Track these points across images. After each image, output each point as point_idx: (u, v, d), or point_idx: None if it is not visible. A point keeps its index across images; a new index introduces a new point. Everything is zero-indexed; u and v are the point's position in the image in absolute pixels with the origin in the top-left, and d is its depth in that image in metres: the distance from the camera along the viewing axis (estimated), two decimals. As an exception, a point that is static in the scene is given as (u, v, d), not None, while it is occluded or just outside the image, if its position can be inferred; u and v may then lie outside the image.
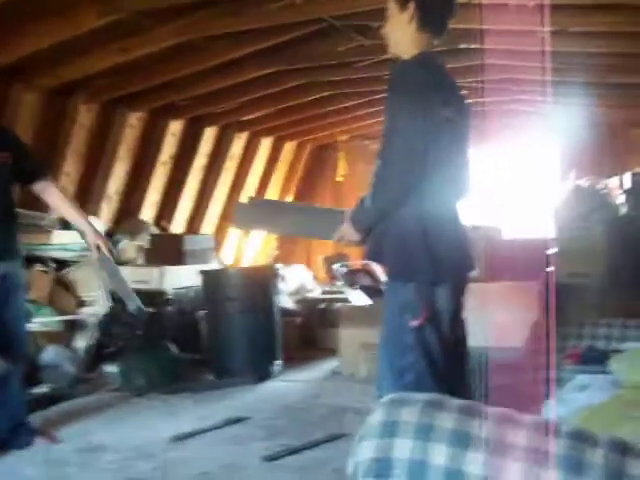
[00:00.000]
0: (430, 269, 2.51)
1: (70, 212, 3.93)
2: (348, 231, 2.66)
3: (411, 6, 2.57)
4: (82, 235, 3.93)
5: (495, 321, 3.64)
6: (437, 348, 2.53)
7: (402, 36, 2.63)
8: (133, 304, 4.28)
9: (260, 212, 2.99)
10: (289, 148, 9.95)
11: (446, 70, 2.74)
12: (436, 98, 2.49)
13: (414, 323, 2.50)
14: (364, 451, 1.62)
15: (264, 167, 9.64)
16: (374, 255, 2.72)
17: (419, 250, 2.51)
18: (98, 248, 3.86)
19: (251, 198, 3.20)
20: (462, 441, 1.51)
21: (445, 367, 2.54)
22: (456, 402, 1.65)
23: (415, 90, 2.48)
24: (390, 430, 1.60)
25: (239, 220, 3.18)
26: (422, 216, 2.51)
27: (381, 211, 2.56)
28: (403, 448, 1.55)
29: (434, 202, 2.52)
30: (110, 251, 3.92)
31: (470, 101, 3.72)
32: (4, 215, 3.56)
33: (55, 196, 3.89)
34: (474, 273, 2.87)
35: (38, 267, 5.67)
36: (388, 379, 2.58)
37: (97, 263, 4.13)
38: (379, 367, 2.65)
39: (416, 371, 2.51)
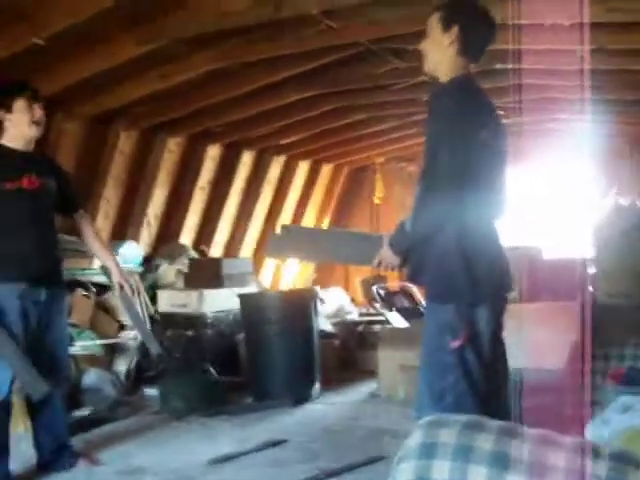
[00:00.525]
0: (469, 290, 2.51)
1: (99, 248, 4.00)
2: (387, 255, 2.68)
3: (454, 30, 2.58)
4: (107, 272, 3.98)
5: (534, 342, 3.60)
6: (477, 369, 2.51)
7: (441, 58, 2.65)
8: (153, 347, 4.29)
9: (294, 240, 2.99)
10: (326, 171, 9.99)
11: (483, 92, 2.75)
12: (474, 121, 2.50)
13: (454, 344, 2.49)
14: (403, 473, 1.61)
15: (301, 190, 9.69)
16: (414, 276, 2.73)
17: (458, 271, 2.51)
18: (121, 287, 3.93)
19: (284, 226, 3.17)
20: (501, 463, 1.50)
21: (485, 388, 2.52)
22: (495, 423, 1.64)
23: (453, 114, 2.50)
24: (429, 452, 1.59)
25: (273, 250, 3.18)
26: (461, 237, 2.51)
27: (421, 235, 2.58)
28: (442, 470, 1.54)
29: (473, 223, 2.53)
30: (133, 292, 3.99)
31: (507, 121, 3.71)
32: (48, 241, 3.63)
33: (88, 229, 3.97)
34: (513, 294, 2.86)
35: (80, 291, 5.75)
36: (428, 401, 2.57)
37: (120, 302, 4.14)
38: (419, 388, 2.64)
39: (456, 392, 2.50)
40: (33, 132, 3.59)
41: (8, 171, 3.49)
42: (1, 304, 3.42)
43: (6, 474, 3.54)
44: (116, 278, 3.91)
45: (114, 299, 6.08)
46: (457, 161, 2.45)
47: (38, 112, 3.57)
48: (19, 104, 3.51)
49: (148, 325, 4.78)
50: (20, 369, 3.38)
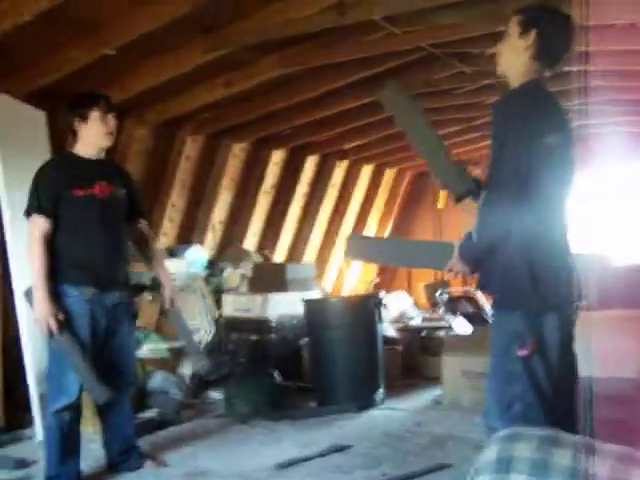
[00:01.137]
0: (536, 298, 2.48)
1: (155, 261, 4.03)
2: (458, 264, 2.68)
3: (532, 34, 2.55)
4: (159, 286, 3.99)
5: (605, 350, 3.52)
6: (545, 379, 2.48)
7: (515, 61, 2.62)
8: (199, 363, 4.31)
9: (373, 245, 2.99)
10: (389, 176, 9.98)
11: (554, 97, 2.69)
12: (541, 128, 2.47)
13: (521, 353, 2.46)
14: (479, 487, 1.59)
15: (364, 195, 9.69)
16: (483, 285, 2.71)
17: (526, 279, 2.48)
18: (172, 303, 3.98)
19: (361, 236, 3.19)
20: (580, 478, 1.47)
21: (553, 399, 2.48)
22: (572, 438, 1.61)
23: (519, 121, 2.47)
24: (505, 466, 1.57)
25: (351, 252, 3.19)
26: (528, 245, 2.48)
27: (487, 247, 2.57)
28: (519, 484, 1.52)
29: (540, 231, 2.50)
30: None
31: (576, 125, 3.64)
32: (116, 247, 3.70)
33: (147, 240, 4.02)
34: (583, 302, 2.81)
35: (146, 295, 5.85)
36: (495, 410, 2.55)
37: (170, 316, 4.16)
38: (486, 397, 2.61)
39: (524, 402, 2.47)
40: (106, 142, 3.67)
41: (80, 178, 3.57)
42: (70, 308, 3.49)
43: (77, 473, 3.63)
44: (168, 293, 3.96)
45: (180, 303, 6.19)
46: (522, 168, 2.43)
47: (112, 122, 3.65)
48: (94, 115, 3.59)
49: (196, 341, 4.79)
50: (85, 375, 3.45)
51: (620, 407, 2.89)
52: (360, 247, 3.02)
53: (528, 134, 2.44)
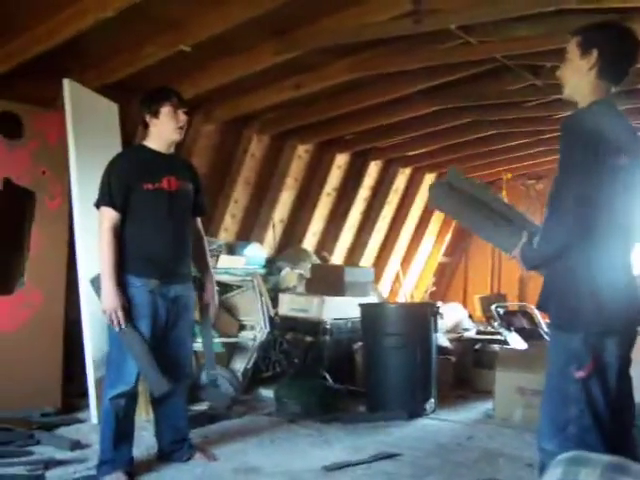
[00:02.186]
0: (598, 320, 2.44)
1: (204, 260, 4.05)
2: (518, 258, 2.68)
3: (594, 54, 2.52)
4: (200, 287, 3.98)
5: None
6: (602, 402, 2.44)
7: (579, 82, 2.59)
8: (210, 373, 4.26)
9: (456, 196, 2.93)
10: (452, 185, 9.90)
11: (623, 115, 2.66)
12: (609, 147, 2.42)
13: (580, 374, 2.43)
14: (540, 511, 1.57)
15: (425, 202, 9.65)
16: (542, 303, 2.68)
17: (587, 300, 2.44)
18: (207, 307, 3.99)
19: (452, 172, 3.09)
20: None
21: (611, 424, 2.44)
22: (638, 467, 1.58)
23: (586, 141, 2.43)
24: (569, 491, 1.55)
25: (434, 198, 3.12)
26: (592, 265, 2.45)
27: (545, 258, 2.57)
28: (582, 511, 1.50)
29: (605, 251, 2.46)
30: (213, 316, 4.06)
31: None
32: (181, 241, 3.75)
33: (200, 238, 4.04)
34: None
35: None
36: (549, 430, 2.51)
37: (200, 319, 4.10)
38: (541, 416, 2.58)
39: (580, 424, 2.43)
40: (176, 137, 3.74)
41: (149, 172, 3.64)
42: (134, 298, 3.56)
43: (130, 459, 3.70)
44: (209, 296, 3.98)
45: (235, 299, 6.26)
46: (586, 190, 2.39)
47: (182, 118, 3.72)
48: (165, 110, 3.67)
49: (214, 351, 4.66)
50: (145, 365, 3.51)
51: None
52: (445, 196, 2.95)
53: (596, 155, 2.40)
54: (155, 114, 3.68)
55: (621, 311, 2.48)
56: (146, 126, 3.76)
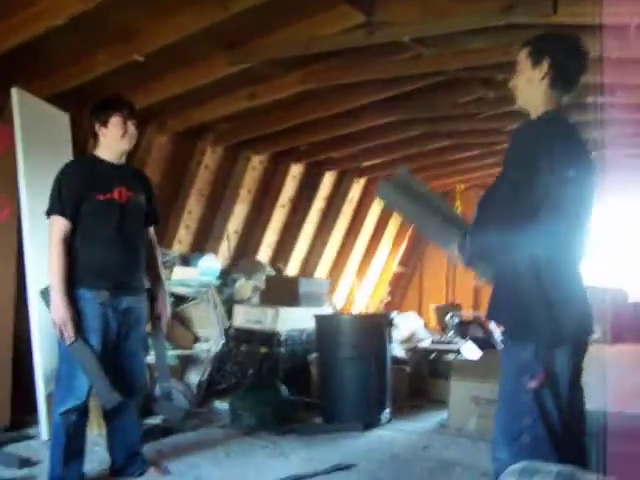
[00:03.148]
0: (549, 330, 2.46)
1: (156, 270, 3.98)
2: (455, 254, 2.69)
3: (545, 64, 2.56)
4: (152, 298, 3.90)
5: (618, 385, 3.49)
6: (554, 412, 2.46)
7: (532, 93, 2.62)
8: (163, 385, 4.24)
9: (404, 193, 2.95)
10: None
11: (574, 127, 2.70)
12: (559, 158, 2.44)
13: (532, 385, 2.45)
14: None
15: (380, 214, 9.69)
16: (493, 314, 2.70)
17: (538, 310, 2.46)
18: (159, 319, 3.93)
19: (401, 171, 3.09)
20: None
21: (562, 433, 2.46)
22: (588, 477, 1.59)
23: (538, 151, 2.45)
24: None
25: (382, 192, 3.13)
26: (542, 276, 2.46)
27: (475, 255, 2.61)
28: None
29: (554, 262, 2.48)
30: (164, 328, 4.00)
31: (597, 156, 3.63)
32: (133, 252, 3.70)
33: (153, 247, 3.98)
34: (596, 336, 2.79)
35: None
36: (503, 440, 2.53)
37: (151, 331, 3.99)
38: (495, 426, 2.59)
39: (532, 434, 2.45)
40: (124, 147, 3.69)
41: (100, 182, 3.59)
42: (84, 310, 3.49)
43: (81, 475, 3.63)
44: (161, 307, 3.92)
45: (189, 311, 6.20)
46: (527, 195, 2.41)
47: (131, 129, 3.67)
48: (114, 120, 3.62)
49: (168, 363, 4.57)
50: (95, 377, 3.45)
51: (632, 443, 2.85)
52: (392, 192, 2.97)
53: (546, 165, 2.42)
54: (104, 124, 3.64)
55: (572, 322, 2.50)
56: (96, 136, 3.71)
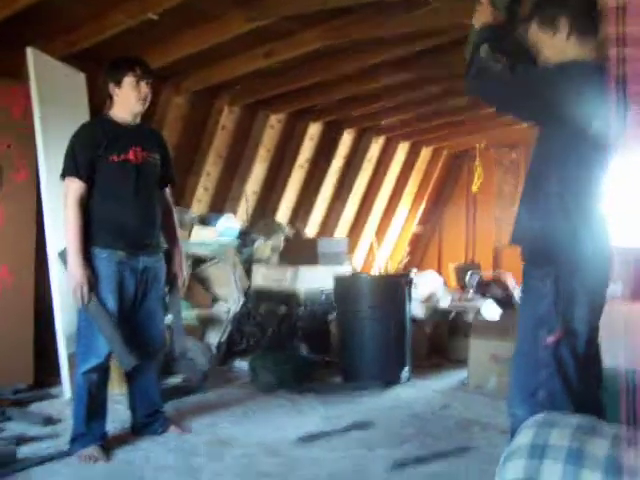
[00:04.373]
0: (570, 257, 2.40)
1: (172, 231, 3.98)
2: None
3: (562, 23, 2.49)
4: (169, 258, 3.91)
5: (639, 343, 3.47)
6: (571, 367, 2.44)
7: (565, 54, 2.53)
8: (180, 345, 4.23)
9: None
10: (425, 154, 9.88)
11: (602, 79, 2.59)
12: (580, 112, 2.39)
13: (549, 339, 2.42)
14: (511, 471, 1.57)
15: (399, 172, 9.62)
16: (516, 237, 2.62)
17: (562, 233, 2.42)
18: (175, 278, 3.93)
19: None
20: (618, 470, 1.43)
21: (579, 387, 2.45)
22: (609, 428, 1.57)
23: (557, 102, 2.41)
24: (539, 452, 1.54)
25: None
26: (568, 202, 2.42)
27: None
28: (553, 472, 1.49)
29: (586, 210, 2.44)
30: (182, 286, 4.00)
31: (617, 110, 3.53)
32: (149, 212, 3.70)
33: (169, 209, 3.97)
34: (615, 292, 2.75)
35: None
36: (519, 395, 2.52)
37: (168, 290, 3.96)
38: (511, 382, 2.58)
39: (549, 389, 2.43)
40: (138, 108, 3.67)
41: (115, 143, 3.58)
42: (100, 270, 3.51)
43: (104, 433, 3.68)
44: (177, 268, 3.92)
45: (208, 271, 6.22)
46: (570, 145, 2.38)
47: (144, 90, 3.65)
48: (128, 80, 3.60)
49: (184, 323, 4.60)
50: (111, 340, 3.47)
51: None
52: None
53: (565, 117, 2.38)
54: (118, 84, 3.62)
55: (593, 271, 2.46)
56: (111, 96, 3.69)
